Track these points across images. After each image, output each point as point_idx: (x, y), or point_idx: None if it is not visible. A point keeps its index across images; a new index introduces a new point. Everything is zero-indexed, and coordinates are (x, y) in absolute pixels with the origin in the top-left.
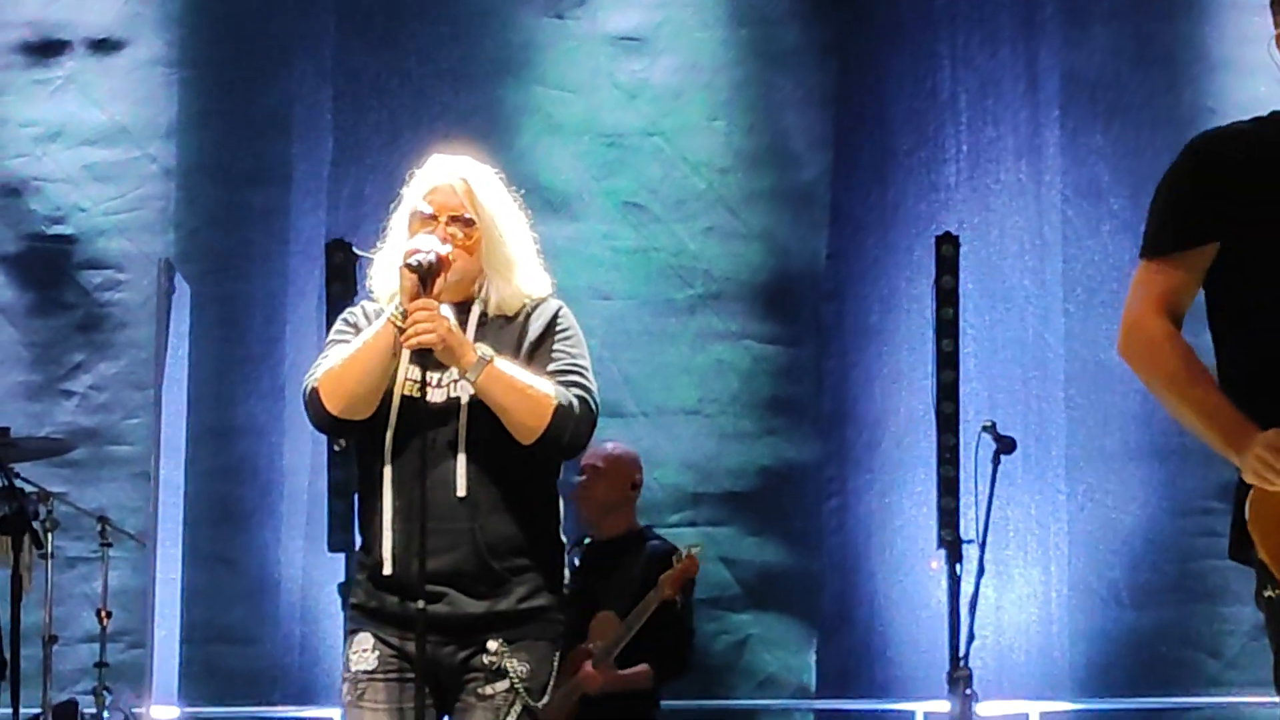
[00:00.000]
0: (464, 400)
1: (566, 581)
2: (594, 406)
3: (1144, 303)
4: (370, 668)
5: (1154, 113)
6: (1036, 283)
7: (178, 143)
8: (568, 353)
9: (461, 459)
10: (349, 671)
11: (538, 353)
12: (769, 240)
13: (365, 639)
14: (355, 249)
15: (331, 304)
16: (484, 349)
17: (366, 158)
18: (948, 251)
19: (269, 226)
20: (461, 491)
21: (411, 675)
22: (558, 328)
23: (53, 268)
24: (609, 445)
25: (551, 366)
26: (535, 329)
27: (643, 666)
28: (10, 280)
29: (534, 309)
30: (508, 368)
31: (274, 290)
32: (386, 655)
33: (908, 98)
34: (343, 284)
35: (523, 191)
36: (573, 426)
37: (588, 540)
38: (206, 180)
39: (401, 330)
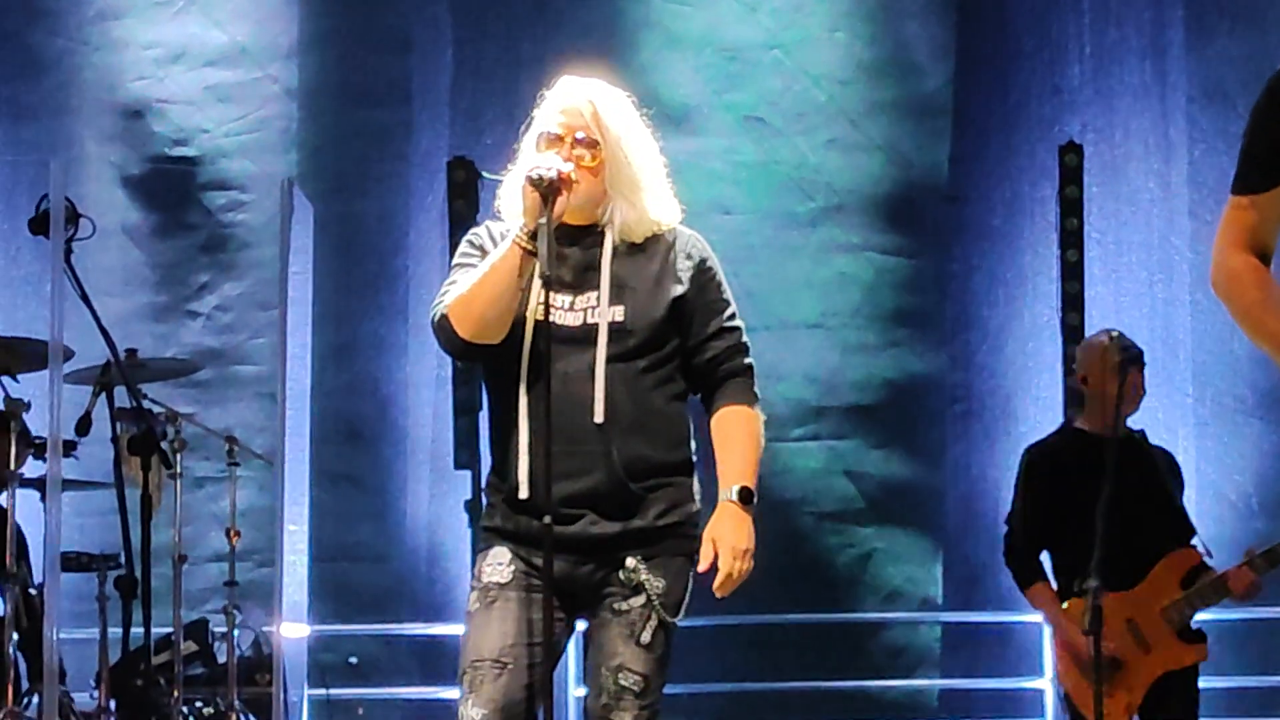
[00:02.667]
0: (602, 326)
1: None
2: (751, 357)
3: (1226, 239)
4: (504, 580)
5: (1279, 13)
6: (1162, 185)
7: (298, 63)
8: (728, 303)
9: (600, 384)
10: (479, 582)
11: (700, 302)
12: (891, 151)
13: (502, 553)
14: (479, 169)
15: (454, 222)
16: (733, 493)
17: (485, 72)
18: (1072, 160)
19: (390, 144)
20: (600, 417)
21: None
22: (715, 275)
23: (176, 189)
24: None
25: (715, 324)
26: (685, 269)
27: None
28: (135, 202)
29: (672, 241)
30: (745, 458)
31: (395, 208)
32: (521, 570)
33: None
34: (465, 201)
35: (646, 110)
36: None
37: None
38: (327, 100)
39: (528, 252)
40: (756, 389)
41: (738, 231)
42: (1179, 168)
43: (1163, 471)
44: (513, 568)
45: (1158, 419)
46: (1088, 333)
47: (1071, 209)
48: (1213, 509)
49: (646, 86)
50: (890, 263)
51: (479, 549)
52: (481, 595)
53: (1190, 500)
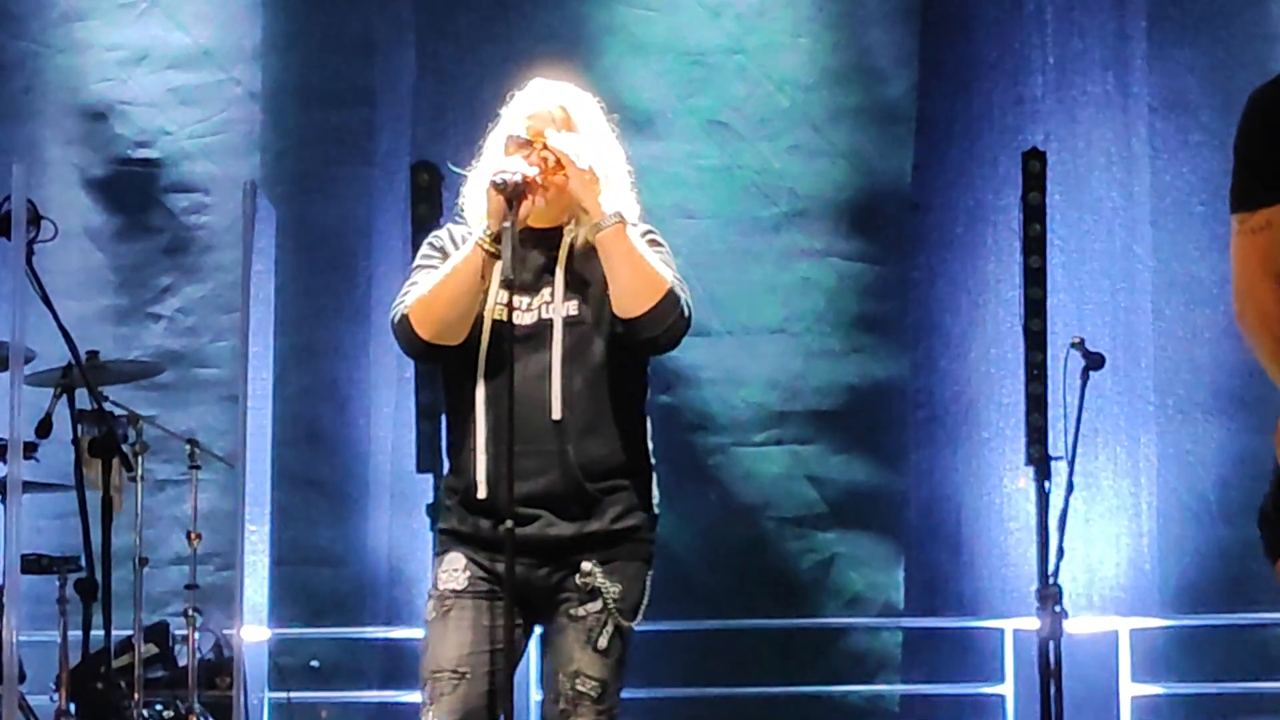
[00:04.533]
0: (556, 322)
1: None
2: (691, 313)
3: (1249, 267)
4: (460, 586)
5: (1242, 25)
6: (1124, 195)
7: (262, 65)
8: (667, 264)
9: (556, 381)
10: (436, 589)
11: None
12: (854, 157)
13: (456, 559)
14: (445, 168)
15: (417, 226)
16: (618, 212)
17: (447, 74)
18: (1034, 167)
19: (353, 147)
20: (556, 414)
21: (501, 596)
22: (654, 240)
23: (139, 191)
24: None
25: None
26: None
27: None
28: (97, 204)
29: None
30: (635, 237)
31: (358, 211)
32: (477, 575)
33: (993, 10)
34: (428, 205)
35: (609, 115)
36: (675, 317)
37: None
38: (291, 102)
39: (490, 254)
40: (682, 299)
41: (700, 236)
42: (1141, 177)
43: None
44: (468, 573)
45: (1120, 425)
46: (1050, 339)
47: (1034, 215)
48: (1175, 515)
49: (610, 91)
50: (853, 269)
51: (436, 553)
52: (438, 604)
53: (1152, 506)
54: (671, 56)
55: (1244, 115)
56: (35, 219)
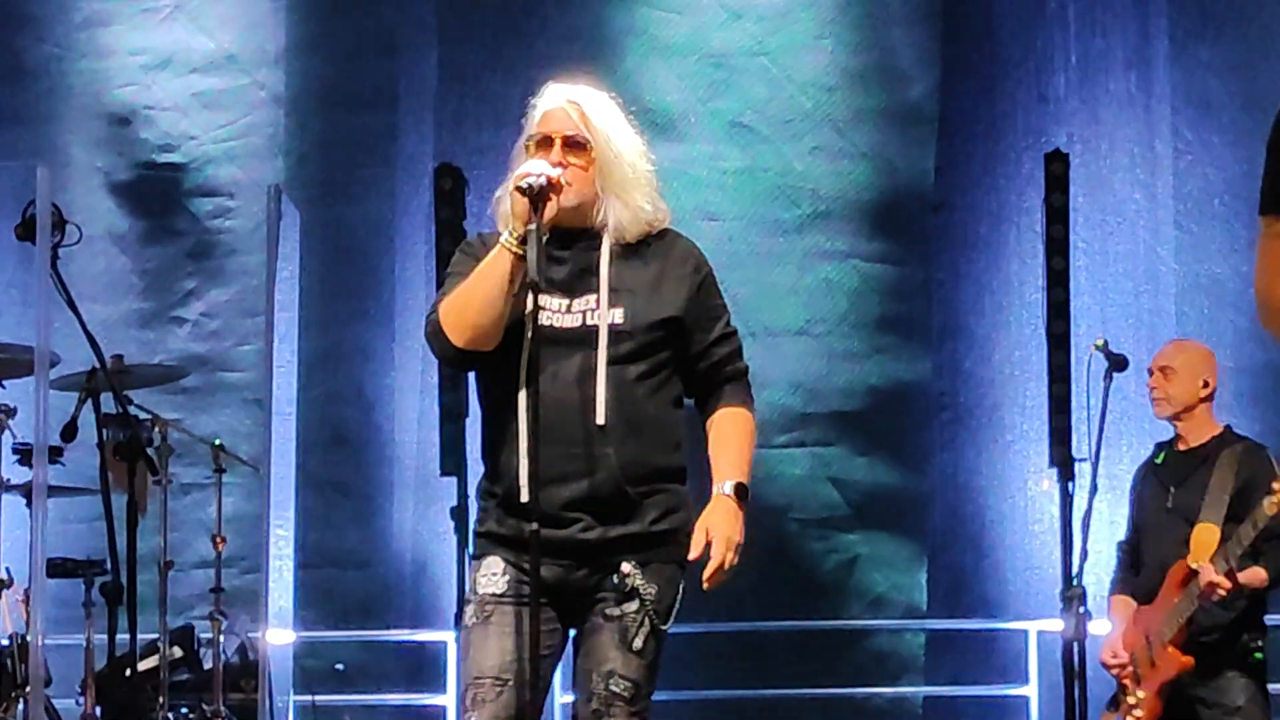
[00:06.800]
0: (602, 329)
1: None
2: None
3: (1264, 268)
4: (500, 591)
5: (1264, 24)
6: (1147, 196)
7: (285, 69)
8: (726, 308)
9: (601, 386)
10: (475, 594)
11: (698, 307)
12: (876, 158)
13: (495, 562)
14: (467, 171)
15: (440, 229)
16: (728, 487)
17: (470, 77)
18: (1057, 169)
19: (376, 149)
20: (601, 419)
21: (544, 600)
22: (714, 282)
23: (163, 196)
24: (1179, 341)
25: (717, 330)
26: (685, 277)
27: (1259, 569)
28: (122, 208)
29: (669, 245)
30: (742, 456)
31: (382, 214)
32: (515, 578)
33: (1015, 9)
34: (451, 208)
35: (632, 111)
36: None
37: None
38: (313, 105)
39: (517, 256)
40: (752, 392)
41: (723, 238)
42: (1164, 179)
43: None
44: (507, 577)
45: (1144, 427)
46: (1073, 341)
47: (1057, 217)
48: None
49: (632, 93)
50: (876, 270)
51: (474, 556)
52: (478, 609)
53: None
54: (694, 58)
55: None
56: (60, 223)
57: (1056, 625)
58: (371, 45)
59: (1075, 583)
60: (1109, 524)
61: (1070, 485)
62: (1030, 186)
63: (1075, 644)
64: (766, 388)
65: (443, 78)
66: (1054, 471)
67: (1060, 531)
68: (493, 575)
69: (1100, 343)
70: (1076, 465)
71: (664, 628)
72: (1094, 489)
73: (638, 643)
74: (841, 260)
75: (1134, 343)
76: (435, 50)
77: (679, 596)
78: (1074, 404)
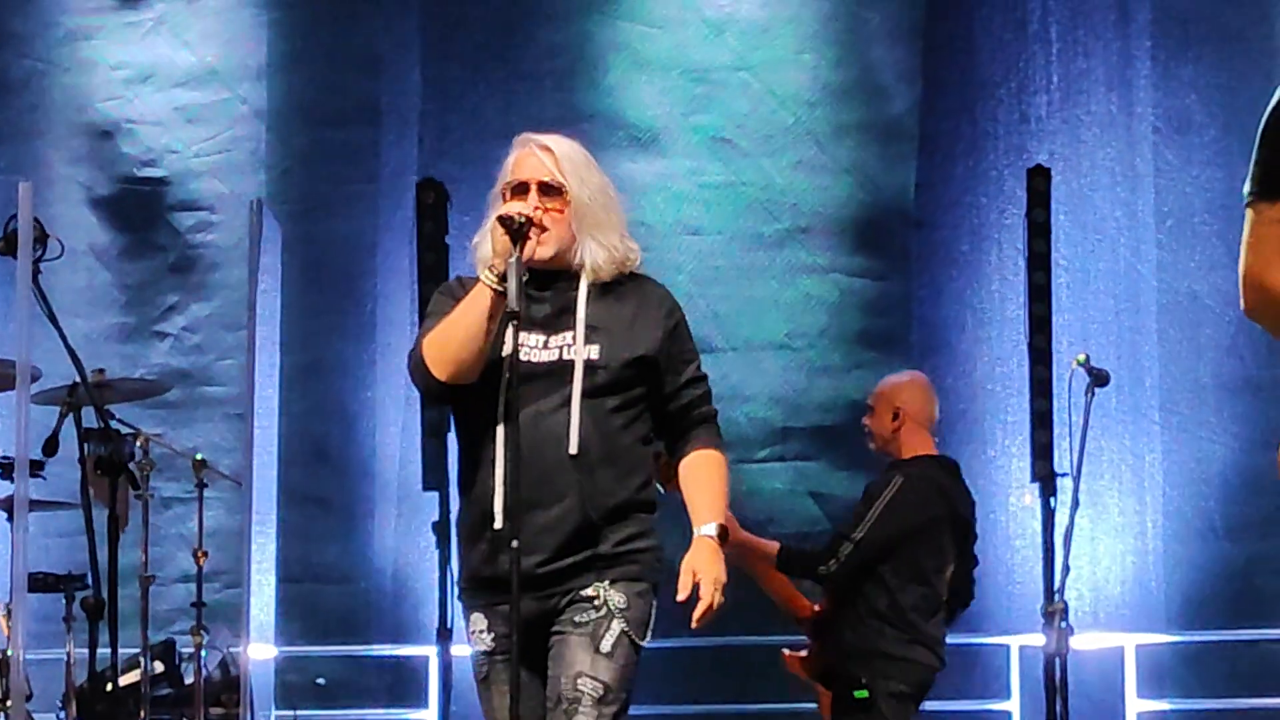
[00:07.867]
0: (578, 364)
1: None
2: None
3: (1261, 257)
4: (488, 649)
5: (1246, 44)
6: (1128, 215)
7: (267, 84)
8: (696, 353)
9: (575, 417)
10: (474, 650)
11: (670, 350)
12: (857, 174)
13: (479, 619)
14: (450, 186)
15: (423, 243)
16: (710, 529)
17: (453, 93)
18: (1039, 185)
19: (358, 165)
20: (574, 449)
21: (526, 650)
22: (685, 327)
23: (145, 210)
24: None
25: (688, 373)
26: (659, 321)
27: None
28: (103, 223)
29: (643, 289)
30: (718, 498)
31: (363, 228)
32: (500, 634)
33: (997, 29)
34: (433, 223)
35: (616, 131)
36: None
37: None
38: (296, 120)
39: (498, 292)
40: (721, 434)
41: (704, 252)
42: (1145, 197)
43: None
44: (491, 634)
45: (1125, 443)
46: (1055, 357)
47: (1039, 232)
48: (1179, 531)
49: (614, 108)
50: (856, 284)
51: (464, 607)
52: (477, 666)
53: (1156, 523)
54: (675, 73)
55: (1273, 106)
56: (41, 237)
57: (1038, 640)
58: (354, 60)
59: (1057, 598)
60: (1090, 539)
61: (1052, 500)
62: (1012, 204)
63: (1057, 659)
64: (747, 402)
65: (425, 93)
66: (1035, 487)
67: (1042, 546)
68: (480, 634)
69: (1082, 358)
70: (1058, 480)
71: (641, 642)
72: (1075, 504)
73: (606, 644)
74: (822, 275)
75: (1115, 358)
76: (418, 65)
77: (652, 612)
78: (1055, 419)
